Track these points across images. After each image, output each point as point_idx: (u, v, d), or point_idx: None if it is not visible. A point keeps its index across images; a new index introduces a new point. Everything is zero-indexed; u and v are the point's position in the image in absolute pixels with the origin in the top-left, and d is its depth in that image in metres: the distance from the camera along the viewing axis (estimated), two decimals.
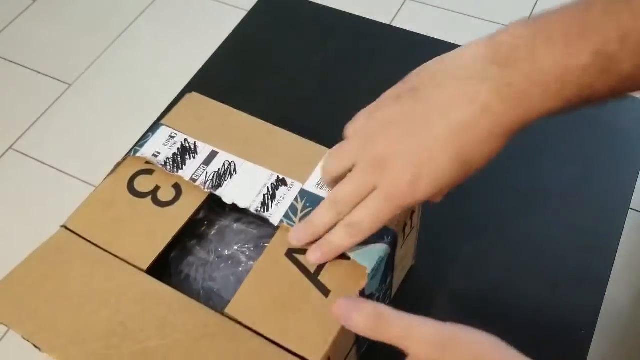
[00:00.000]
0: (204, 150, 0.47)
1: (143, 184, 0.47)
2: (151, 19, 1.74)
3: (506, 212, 0.58)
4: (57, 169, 1.43)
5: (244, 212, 0.46)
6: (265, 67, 0.73)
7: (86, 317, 0.40)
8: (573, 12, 0.33)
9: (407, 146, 0.36)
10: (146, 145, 0.48)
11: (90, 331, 0.40)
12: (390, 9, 1.68)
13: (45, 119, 1.53)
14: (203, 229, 0.47)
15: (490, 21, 1.62)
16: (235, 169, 0.46)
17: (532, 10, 1.62)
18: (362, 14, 0.77)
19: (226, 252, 0.46)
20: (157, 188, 0.46)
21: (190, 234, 0.47)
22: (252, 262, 0.45)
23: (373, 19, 0.77)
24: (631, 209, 1.20)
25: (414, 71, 0.39)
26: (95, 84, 1.60)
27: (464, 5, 1.67)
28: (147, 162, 0.47)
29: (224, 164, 0.46)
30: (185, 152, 0.47)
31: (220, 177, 0.46)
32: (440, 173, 0.36)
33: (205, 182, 0.45)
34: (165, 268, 0.45)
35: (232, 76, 0.72)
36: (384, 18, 1.64)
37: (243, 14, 0.80)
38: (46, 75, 1.62)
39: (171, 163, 0.47)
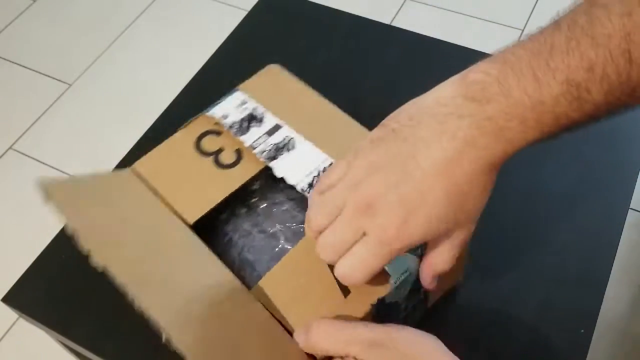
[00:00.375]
0: (270, 121, 0.49)
1: (209, 143, 0.49)
2: (151, 19, 1.74)
3: (506, 213, 0.58)
4: (57, 169, 1.43)
5: (297, 192, 0.47)
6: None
7: (128, 233, 0.42)
8: (539, 42, 0.33)
9: (396, 188, 0.35)
10: (218, 106, 0.50)
11: (129, 242, 0.41)
12: (390, 9, 1.68)
13: (45, 119, 1.53)
14: (254, 200, 0.49)
15: (490, 21, 1.62)
16: (293, 146, 0.47)
17: (532, 10, 1.62)
18: (362, 14, 0.77)
19: (269, 229, 0.48)
20: (220, 150, 0.48)
21: (242, 202, 0.49)
22: (289, 245, 0.47)
23: (373, 19, 0.77)
24: (631, 209, 1.20)
25: (391, 115, 0.38)
26: (95, 84, 1.60)
27: (464, 5, 1.67)
28: (217, 124, 0.49)
29: (284, 139, 0.48)
30: (252, 119, 0.49)
31: (278, 150, 0.47)
32: (432, 211, 0.34)
33: (263, 152, 0.47)
34: (212, 228, 0.47)
35: (232, 76, 0.72)
36: (384, 18, 1.64)
37: (243, 14, 0.80)
38: (46, 75, 1.62)
39: (237, 127, 0.48)
